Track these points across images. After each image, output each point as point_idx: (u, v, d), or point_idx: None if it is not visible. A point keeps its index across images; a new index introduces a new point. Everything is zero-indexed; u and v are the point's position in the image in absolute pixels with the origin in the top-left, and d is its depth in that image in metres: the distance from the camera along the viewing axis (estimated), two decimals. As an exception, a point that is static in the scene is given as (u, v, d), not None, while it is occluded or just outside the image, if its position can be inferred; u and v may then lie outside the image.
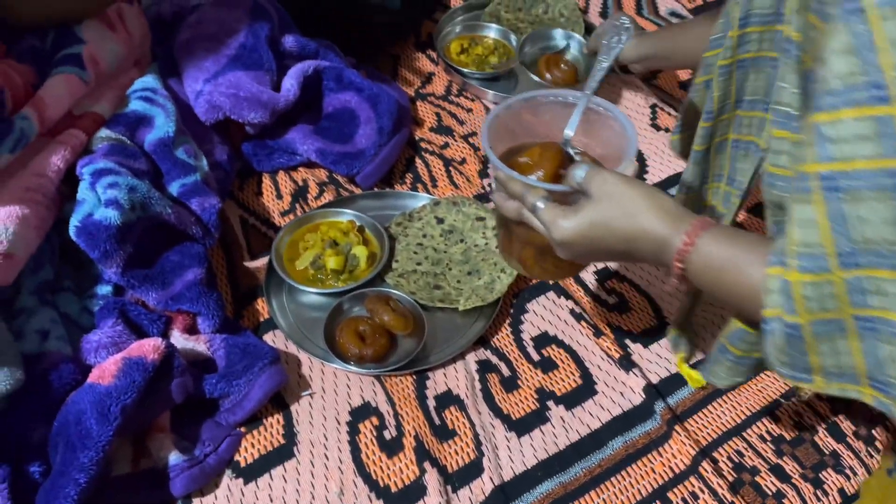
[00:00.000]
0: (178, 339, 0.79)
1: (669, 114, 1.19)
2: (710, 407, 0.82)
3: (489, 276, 0.92)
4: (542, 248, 0.66)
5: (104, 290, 0.80)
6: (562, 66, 1.20)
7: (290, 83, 1.00)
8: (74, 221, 0.75)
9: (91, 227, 0.74)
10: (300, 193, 1.04)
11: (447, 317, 0.89)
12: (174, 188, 0.86)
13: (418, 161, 1.10)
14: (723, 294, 0.56)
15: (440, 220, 0.99)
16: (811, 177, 0.45)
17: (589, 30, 1.34)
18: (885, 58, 0.42)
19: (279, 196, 1.04)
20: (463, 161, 1.10)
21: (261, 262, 0.94)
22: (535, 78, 1.19)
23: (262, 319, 0.88)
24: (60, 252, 0.81)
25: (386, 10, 1.16)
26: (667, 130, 1.17)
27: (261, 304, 0.90)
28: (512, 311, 0.91)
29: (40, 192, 0.75)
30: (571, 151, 0.69)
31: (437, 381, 0.83)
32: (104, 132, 0.84)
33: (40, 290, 0.75)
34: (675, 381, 0.83)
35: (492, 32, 1.30)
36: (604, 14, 1.41)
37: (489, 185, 1.06)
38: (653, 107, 1.21)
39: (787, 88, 0.56)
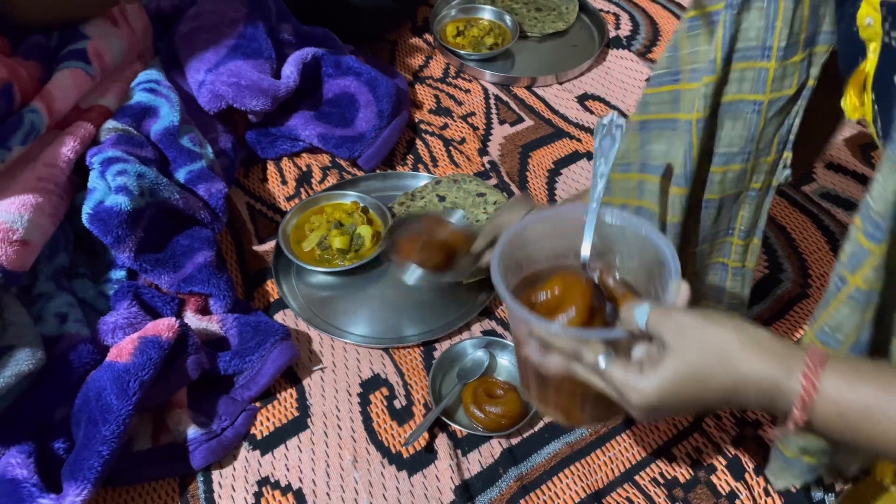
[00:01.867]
0: (192, 319, 0.82)
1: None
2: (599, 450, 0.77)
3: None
4: (589, 396, 0.58)
5: (118, 274, 0.82)
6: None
7: (290, 70, 1.02)
8: (87, 209, 0.77)
9: (103, 213, 0.77)
10: (304, 178, 1.06)
11: (451, 289, 0.91)
12: (181, 175, 0.88)
13: (419, 142, 1.12)
14: (863, 442, 0.47)
15: (442, 198, 1.01)
16: None
17: (583, 8, 1.35)
18: None
19: (284, 182, 1.06)
20: (462, 140, 1.12)
21: (269, 246, 0.97)
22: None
23: (272, 300, 0.91)
24: (74, 240, 0.83)
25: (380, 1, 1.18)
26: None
27: (270, 286, 0.92)
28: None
29: (52, 182, 0.77)
30: (594, 276, 0.60)
31: (444, 350, 0.85)
32: (111, 123, 0.87)
33: (56, 275, 0.78)
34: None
35: (486, 14, 1.31)
36: (598, -9, 1.43)
37: (489, 162, 1.08)
38: (648, 80, 1.22)
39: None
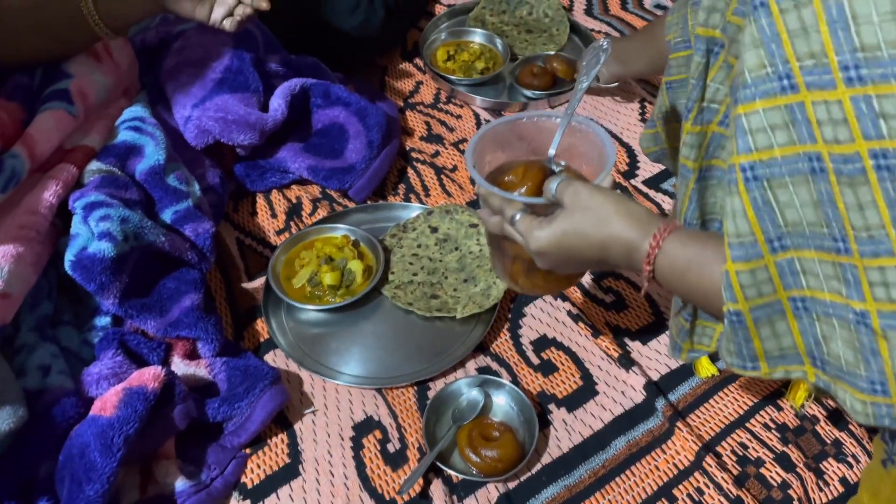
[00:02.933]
0: (179, 364, 0.80)
1: (659, 107, 1.19)
2: (711, 401, 0.82)
3: (485, 283, 0.92)
4: (530, 262, 0.67)
5: (103, 321, 0.80)
6: (534, 70, 1.21)
7: (278, 102, 1.00)
8: (69, 256, 0.76)
9: (86, 260, 0.75)
10: (294, 211, 1.04)
11: (445, 326, 0.89)
12: (167, 215, 0.86)
13: (410, 171, 1.10)
14: (688, 293, 0.57)
15: (434, 230, 1.00)
16: (735, 168, 0.48)
17: (574, 29, 1.34)
18: (789, 48, 0.44)
19: (274, 215, 1.04)
20: (454, 168, 1.11)
21: (258, 283, 0.95)
22: (518, 87, 1.20)
23: (262, 340, 0.89)
24: (58, 286, 0.81)
25: (368, 27, 1.17)
26: (657, 124, 1.16)
27: (260, 325, 0.90)
28: (510, 315, 0.91)
29: (34, 229, 0.76)
30: (555, 168, 0.70)
31: (438, 390, 0.83)
32: (95, 164, 0.85)
33: (40, 325, 0.76)
34: (676, 376, 0.84)
35: (477, 37, 1.30)
36: (589, 12, 1.42)
37: (481, 190, 1.06)
38: (641, 101, 1.21)
39: (718, 87, 0.60)
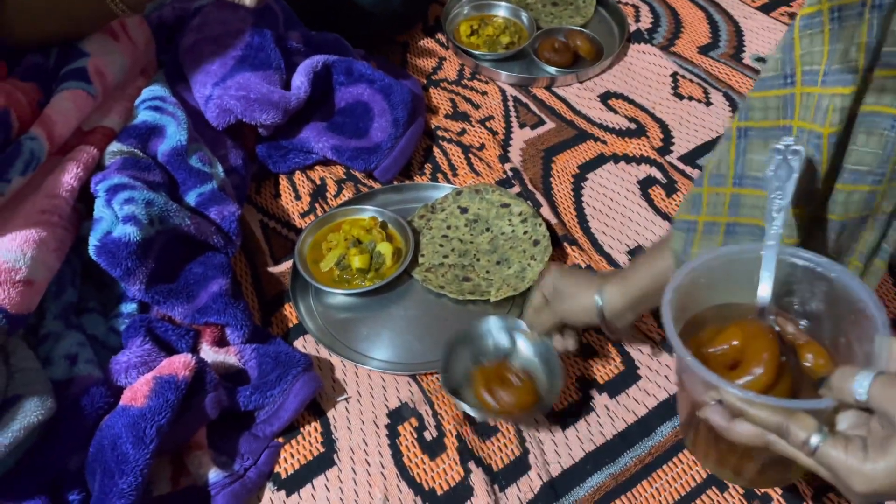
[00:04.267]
0: (209, 352, 0.77)
1: (691, 81, 1.15)
2: (646, 481, 0.76)
3: (519, 265, 0.89)
4: (776, 460, 0.52)
5: (129, 308, 0.78)
6: (555, 45, 1.16)
7: (300, 80, 0.97)
8: (93, 241, 0.73)
9: (111, 245, 0.72)
10: (319, 192, 1.01)
11: (479, 309, 0.86)
12: (191, 198, 0.84)
13: (436, 150, 1.07)
14: None
15: (464, 210, 0.97)
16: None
17: (601, 1, 1.30)
18: None
19: (297, 197, 1.01)
20: (482, 147, 1.07)
21: (285, 267, 0.92)
22: (539, 62, 1.16)
23: (290, 325, 0.86)
24: (82, 272, 0.79)
25: (389, 3, 1.13)
26: (690, 99, 1.12)
27: (288, 310, 0.88)
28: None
29: (56, 214, 0.73)
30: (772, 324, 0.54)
31: (475, 377, 0.80)
32: (115, 146, 0.82)
33: (65, 313, 0.74)
34: (721, 359, 0.80)
35: (501, 10, 1.26)
36: (615, -18, 1.36)
37: (511, 169, 1.03)
38: (673, 75, 1.16)
39: None
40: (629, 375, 0.80)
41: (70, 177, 0.76)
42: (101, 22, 0.89)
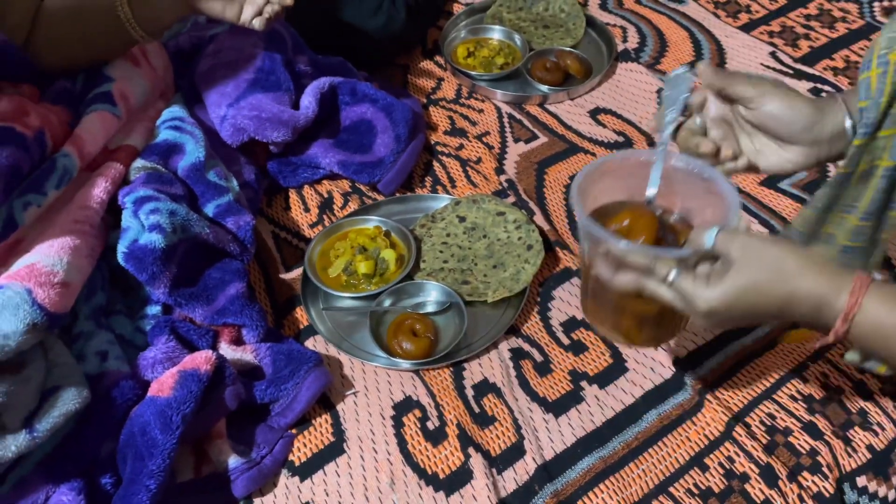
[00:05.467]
0: (227, 350, 0.83)
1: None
2: (739, 375, 0.84)
3: (514, 268, 0.95)
4: (647, 316, 0.66)
5: (154, 310, 0.84)
6: (547, 65, 1.24)
7: (308, 100, 1.04)
8: (122, 248, 0.79)
9: (138, 251, 0.79)
10: (326, 205, 1.08)
11: (477, 310, 0.92)
12: (210, 209, 0.90)
13: (436, 164, 1.14)
14: (890, 356, 0.57)
15: (462, 219, 1.03)
16: None
17: (590, 23, 1.37)
18: None
19: (307, 209, 1.08)
20: (479, 160, 1.14)
21: (295, 273, 0.99)
22: (532, 81, 1.24)
23: (301, 327, 0.92)
24: (110, 278, 0.85)
25: (391, 28, 1.21)
26: (674, 113, 1.19)
27: (299, 313, 0.94)
28: (539, 299, 0.94)
29: (87, 223, 0.80)
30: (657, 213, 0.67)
31: (474, 372, 0.86)
32: (139, 162, 0.89)
33: (95, 314, 0.80)
34: (704, 352, 0.86)
35: (496, 34, 1.33)
36: (604, 6, 1.44)
37: (506, 181, 1.09)
38: (658, 91, 1.23)
39: None
40: (617, 368, 0.86)
41: (99, 190, 0.83)
42: (122, 49, 0.97)
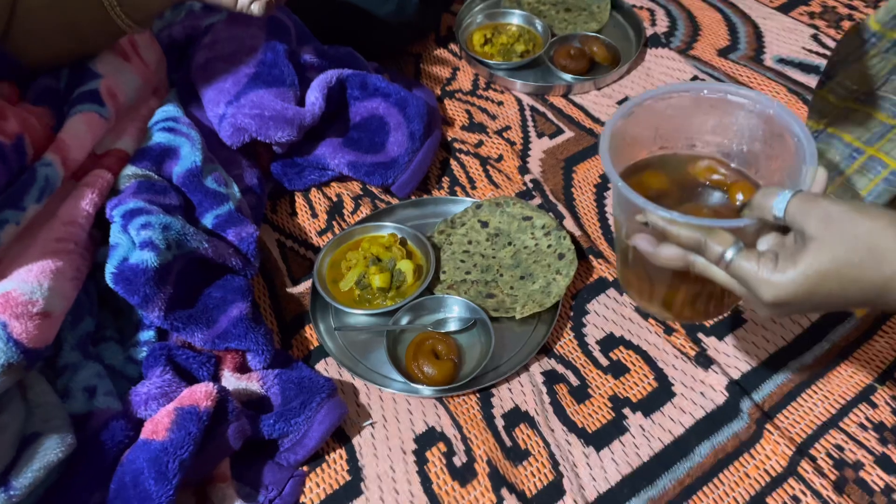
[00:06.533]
0: (230, 379, 0.75)
1: (712, 85, 1.12)
2: (800, 399, 0.76)
3: (544, 279, 0.86)
4: (701, 292, 0.55)
5: (147, 335, 0.76)
6: (571, 52, 1.14)
7: (315, 96, 0.95)
8: (110, 268, 0.71)
9: (128, 272, 0.70)
10: (335, 210, 0.99)
11: (505, 326, 0.84)
12: (208, 220, 0.82)
13: (453, 163, 1.05)
14: None
15: (484, 224, 0.94)
16: None
17: (616, 5, 1.27)
18: None
19: (314, 215, 0.99)
20: (500, 158, 1.05)
21: (304, 287, 0.90)
22: (555, 69, 1.14)
23: (311, 347, 0.84)
24: (99, 300, 0.77)
25: (403, 13, 1.11)
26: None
27: (309, 331, 0.86)
28: (572, 313, 0.86)
29: (72, 241, 0.71)
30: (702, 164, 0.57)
31: (503, 398, 0.78)
32: (130, 169, 0.81)
33: (82, 343, 0.72)
34: (759, 374, 0.78)
35: (515, 19, 1.24)
36: (629, -14, 1.34)
37: (531, 181, 1.00)
38: (693, 80, 1.14)
39: None
40: (663, 393, 0.77)
41: (86, 202, 0.74)
42: (109, 40, 0.88)
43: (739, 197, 0.56)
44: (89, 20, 0.82)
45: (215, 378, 0.75)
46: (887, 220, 0.44)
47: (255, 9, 0.82)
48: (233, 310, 0.77)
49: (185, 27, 1.04)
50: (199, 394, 0.67)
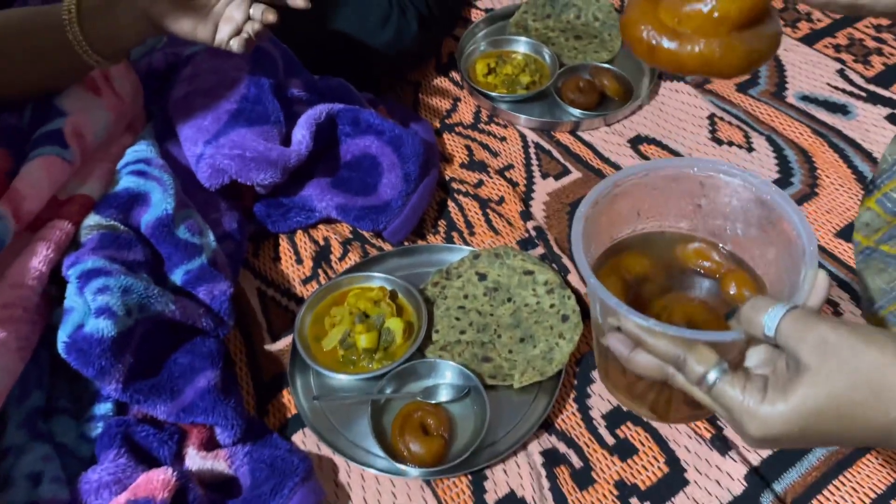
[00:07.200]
0: (195, 457, 0.68)
1: (730, 123, 1.05)
2: (826, 492, 0.68)
3: (545, 344, 0.79)
4: (684, 397, 0.50)
5: (103, 408, 0.69)
6: (580, 84, 1.07)
7: (302, 134, 0.88)
8: (62, 336, 0.64)
9: (81, 341, 0.63)
10: (322, 255, 0.92)
11: (502, 395, 0.77)
12: (177, 276, 0.75)
13: (451, 204, 0.98)
14: None
15: (482, 277, 0.87)
16: None
17: (628, 33, 1.20)
18: None
19: (299, 260, 0.92)
20: (501, 200, 0.98)
21: (283, 344, 0.83)
22: (562, 103, 1.07)
23: (289, 415, 0.77)
24: (52, 365, 0.70)
25: (401, 42, 1.04)
26: (730, 144, 1.02)
27: (287, 396, 0.78)
28: (576, 382, 0.78)
29: (20, 307, 0.64)
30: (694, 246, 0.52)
31: (498, 482, 0.71)
32: (93, 219, 0.74)
33: (30, 420, 0.65)
34: (781, 462, 0.70)
35: (521, 47, 1.16)
36: (642, 13, 1.27)
37: (534, 228, 0.93)
38: (710, 117, 1.06)
39: None
40: (675, 480, 0.70)
41: (39, 261, 0.67)
42: (78, 75, 0.81)
43: (732, 289, 0.51)
44: (56, 52, 0.75)
45: (178, 455, 0.68)
46: (893, 351, 0.37)
47: (235, 45, 0.76)
48: (200, 379, 0.70)
49: (167, 54, 0.97)
50: (156, 482, 0.60)
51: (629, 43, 0.48)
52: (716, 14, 0.43)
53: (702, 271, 0.52)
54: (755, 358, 0.42)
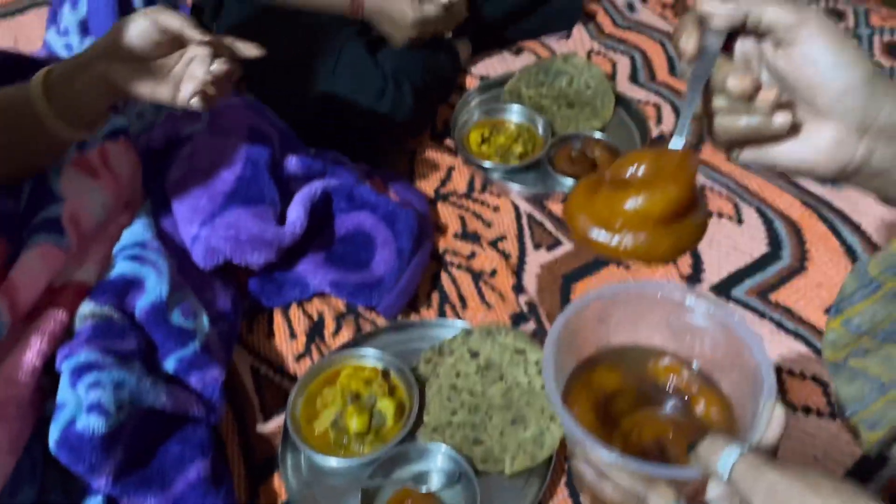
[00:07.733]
0: (184, 550, 0.68)
1: (720, 194, 1.06)
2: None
3: (536, 426, 0.79)
4: None
5: (94, 502, 0.69)
6: (572, 155, 1.09)
7: (297, 213, 0.89)
8: (54, 433, 0.64)
9: (73, 439, 0.64)
10: (315, 330, 0.93)
11: (492, 480, 0.77)
12: (170, 363, 0.75)
13: (444, 276, 0.99)
14: None
15: (474, 354, 0.87)
16: None
17: (619, 101, 1.22)
18: None
19: (293, 335, 0.93)
20: (493, 273, 0.99)
21: (276, 425, 0.83)
22: (555, 174, 1.09)
23: (279, 501, 0.77)
24: (44, 457, 0.70)
25: (397, 114, 1.06)
26: (720, 216, 1.04)
27: (278, 482, 0.78)
28: (566, 465, 0.78)
29: (12, 405, 0.65)
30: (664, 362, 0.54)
31: (488, 574, 0.70)
32: (88, 306, 0.74)
33: (19, 517, 0.65)
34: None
35: (514, 116, 1.18)
36: (634, 79, 1.29)
37: (526, 303, 0.94)
38: (700, 189, 1.08)
39: None
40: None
41: (32, 355, 0.68)
42: (56, 148, 0.80)
43: (701, 408, 0.53)
44: (32, 128, 0.75)
45: (168, 549, 0.68)
46: (839, 501, 0.38)
47: (195, 104, 0.75)
48: (191, 470, 0.70)
49: (166, 130, 0.99)
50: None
51: (569, 228, 0.51)
52: (640, 211, 0.47)
53: (671, 389, 0.53)
54: (715, 492, 0.44)
